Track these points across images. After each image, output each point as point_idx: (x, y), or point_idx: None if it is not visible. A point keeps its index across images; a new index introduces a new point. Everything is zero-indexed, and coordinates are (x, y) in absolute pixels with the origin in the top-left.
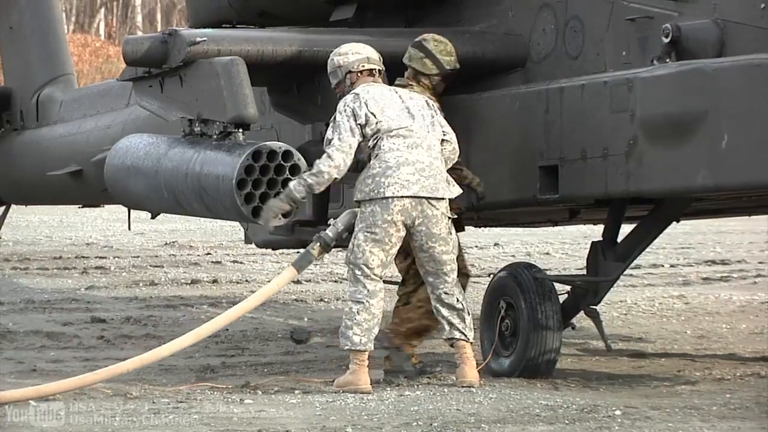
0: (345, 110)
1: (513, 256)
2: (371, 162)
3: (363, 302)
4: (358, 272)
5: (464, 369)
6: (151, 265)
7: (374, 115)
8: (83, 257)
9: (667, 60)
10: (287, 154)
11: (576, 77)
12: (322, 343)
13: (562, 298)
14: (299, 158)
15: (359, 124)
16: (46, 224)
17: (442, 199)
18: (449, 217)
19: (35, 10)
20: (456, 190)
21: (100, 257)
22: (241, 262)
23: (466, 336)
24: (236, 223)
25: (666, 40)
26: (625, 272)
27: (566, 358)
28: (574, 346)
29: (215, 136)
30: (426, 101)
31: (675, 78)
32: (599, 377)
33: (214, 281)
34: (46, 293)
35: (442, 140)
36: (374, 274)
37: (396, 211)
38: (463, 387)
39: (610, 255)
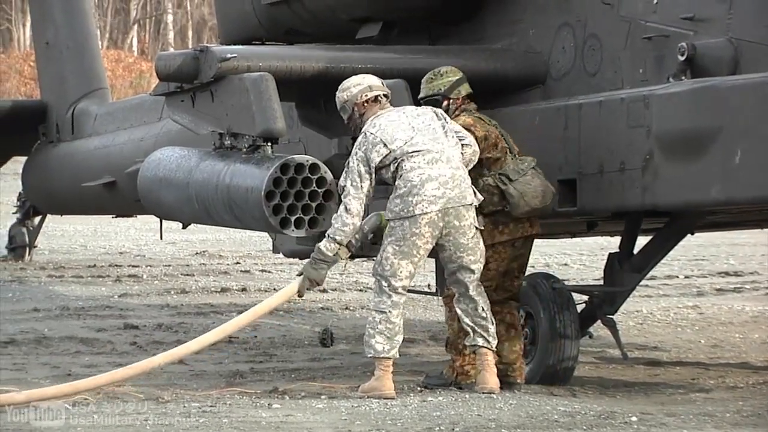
0: (356, 154)
1: (532, 266)
2: (397, 182)
3: (385, 312)
4: (384, 284)
5: (485, 376)
6: (182, 274)
7: (386, 145)
8: (116, 266)
9: (683, 77)
10: (314, 167)
11: (594, 94)
12: (348, 350)
13: (579, 308)
14: (325, 171)
15: (372, 167)
16: (81, 234)
17: (471, 206)
18: (477, 227)
19: (71, 27)
20: (479, 198)
21: (133, 266)
22: (269, 272)
23: (489, 344)
24: (265, 234)
25: (681, 58)
26: (640, 283)
27: (584, 366)
28: (591, 354)
29: (245, 150)
30: (434, 113)
31: (690, 95)
32: (616, 384)
33: (243, 290)
34: (81, 300)
35: (462, 145)
36: (401, 287)
37: (424, 223)
38: (484, 393)
39: (627, 266)
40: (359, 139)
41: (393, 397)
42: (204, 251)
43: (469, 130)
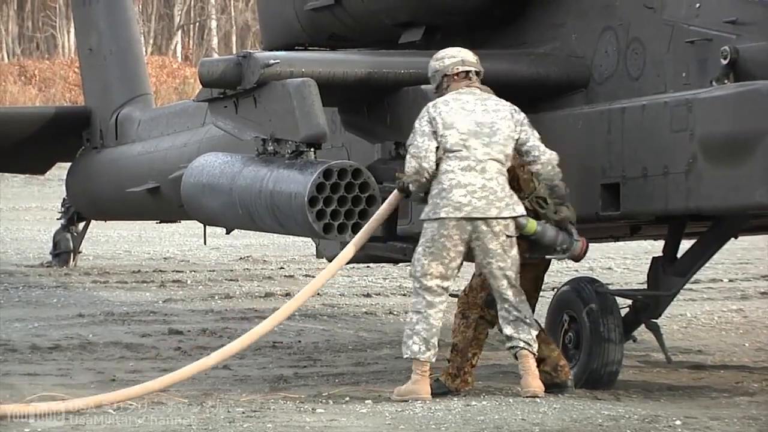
0: (423, 116)
1: (576, 270)
2: (432, 183)
3: (422, 312)
4: (417, 285)
5: (528, 379)
6: (226, 279)
7: (444, 127)
8: (161, 271)
9: (726, 81)
10: (357, 173)
11: (637, 98)
12: (392, 354)
13: (623, 312)
14: (369, 176)
15: (433, 131)
16: (125, 239)
17: (499, 218)
18: (508, 235)
19: (114, 33)
20: (519, 209)
21: (177, 271)
22: (313, 276)
23: (529, 346)
24: (308, 239)
25: (724, 62)
26: (684, 287)
27: (628, 370)
28: (635, 358)
29: (288, 155)
30: (511, 113)
31: (733, 99)
32: (660, 388)
33: (287, 294)
34: (125, 306)
35: (531, 162)
36: (434, 286)
37: (451, 226)
38: (527, 397)
39: (671, 270)
40: (429, 104)
41: (429, 400)
42: (248, 256)
43: None
